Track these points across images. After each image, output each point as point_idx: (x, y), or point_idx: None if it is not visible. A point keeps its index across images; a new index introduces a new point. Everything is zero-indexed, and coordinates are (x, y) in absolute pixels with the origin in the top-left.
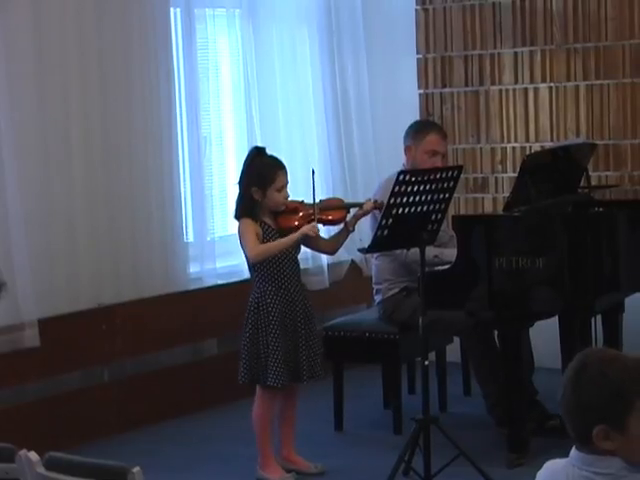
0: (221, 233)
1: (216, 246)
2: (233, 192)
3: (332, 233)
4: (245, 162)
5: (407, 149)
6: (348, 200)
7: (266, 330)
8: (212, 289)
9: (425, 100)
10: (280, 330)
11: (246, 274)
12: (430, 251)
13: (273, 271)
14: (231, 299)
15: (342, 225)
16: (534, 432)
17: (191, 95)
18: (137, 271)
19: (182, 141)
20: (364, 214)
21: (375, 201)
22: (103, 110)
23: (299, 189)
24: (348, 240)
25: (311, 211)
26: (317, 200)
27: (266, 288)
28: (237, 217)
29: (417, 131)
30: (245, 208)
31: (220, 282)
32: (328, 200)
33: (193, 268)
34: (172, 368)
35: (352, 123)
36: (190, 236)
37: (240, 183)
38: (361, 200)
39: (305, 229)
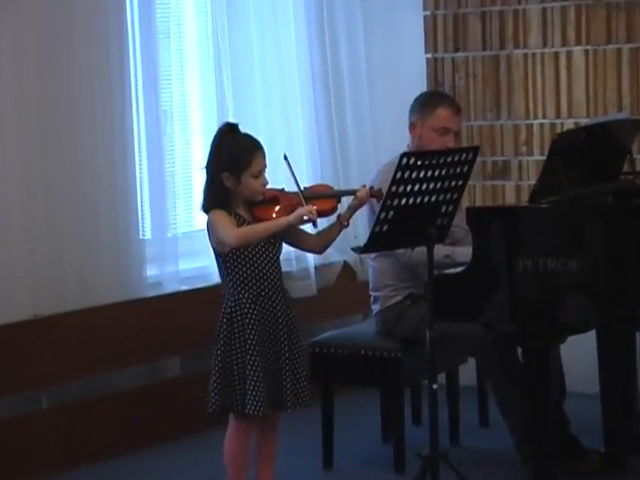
0: (185, 228)
1: (179, 244)
2: (200, 178)
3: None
4: (214, 142)
5: (412, 126)
6: (339, 187)
7: (242, 347)
8: (174, 296)
9: (434, 67)
10: (259, 347)
11: (216, 278)
12: (440, 250)
13: (250, 275)
14: (197, 308)
15: (333, 218)
16: (565, 472)
17: (148, 60)
18: (82, 275)
19: (137, 116)
20: (360, 204)
21: (371, 188)
22: (39, 81)
23: (279, 175)
24: (340, 237)
25: (295, 201)
26: (301, 187)
27: (241, 295)
28: (205, 209)
29: (424, 104)
30: (214, 198)
31: (184, 288)
32: (314, 187)
33: (151, 271)
34: (126, 392)
35: (345, 95)
36: (147, 232)
37: (208, 167)
38: (354, 185)
39: (303, 210)
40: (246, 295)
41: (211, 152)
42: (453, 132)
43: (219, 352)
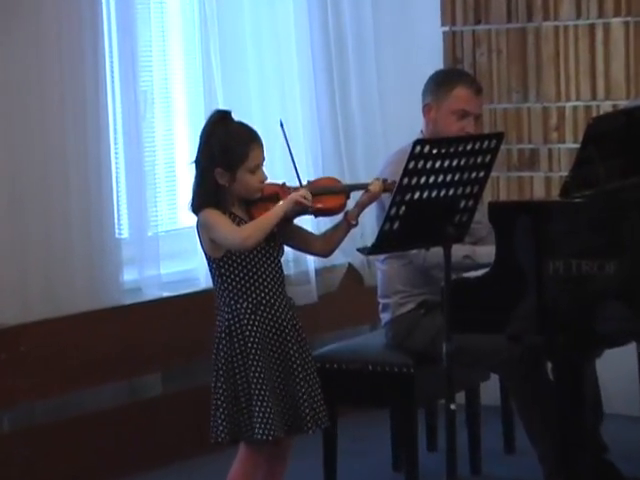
0: (168, 226)
1: (161, 244)
2: (184, 169)
3: (324, 228)
4: (203, 133)
5: (426, 109)
6: (344, 179)
7: (244, 364)
8: (155, 304)
9: (452, 41)
10: (263, 362)
11: (203, 282)
12: (458, 250)
13: (248, 281)
14: (182, 318)
15: (340, 217)
16: None
17: (125, 33)
18: (50, 280)
19: (113, 99)
20: (371, 200)
21: (384, 180)
22: (1, 59)
23: (277, 169)
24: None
25: None
26: (303, 180)
27: (239, 305)
28: (194, 209)
29: (440, 84)
30: (206, 196)
31: (166, 294)
32: (319, 181)
33: (129, 275)
34: (100, 414)
35: (349, 75)
36: (124, 231)
37: (198, 162)
38: (362, 179)
39: (295, 195)
40: (245, 305)
41: (201, 145)
42: (473, 115)
43: (221, 373)
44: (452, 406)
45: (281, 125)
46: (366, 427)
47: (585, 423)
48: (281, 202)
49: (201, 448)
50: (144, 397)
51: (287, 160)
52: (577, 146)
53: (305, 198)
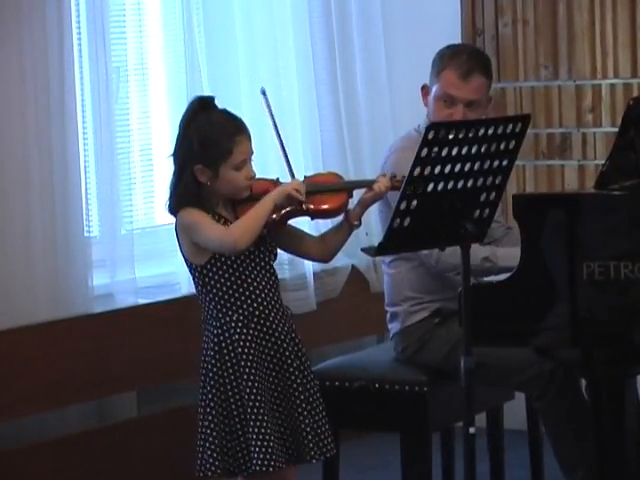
0: (143, 223)
1: (135, 244)
2: (163, 158)
3: (323, 229)
4: (182, 123)
5: (423, 91)
6: (349, 178)
7: (237, 386)
8: (129, 312)
9: (470, 10)
10: (260, 384)
11: (184, 287)
12: (477, 252)
13: (237, 290)
14: (160, 328)
15: (341, 217)
16: None
17: (95, 3)
18: (8, 285)
19: (80, 77)
20: (376, 199)
21: (393, 176)
22: None
23: (270, 164)
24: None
25: None
26: (299, 176)
27: (228, 319)
28: (172, 210)
29: (434, 64)
30: (184, 196)
31: (142, 301)
32: (318, 176)
33: (99, 279)
34: (66, 439)
35: (354, 50)
36: (94, 229)
37: (175, 156)
38: (369, 177)
39: (286, 186)
40: (235, 318)
41: (179, 137)
42: (464, 102)
43: (210, 396)
44: (471, 430)
45: (263, 93)
46: (373, 454)
47: (626, 449)
48: (272, 192)
49: (182, 479)
50: (116, 420)
51: (280, 150)
52: (615, 130)
53: (297, 191)
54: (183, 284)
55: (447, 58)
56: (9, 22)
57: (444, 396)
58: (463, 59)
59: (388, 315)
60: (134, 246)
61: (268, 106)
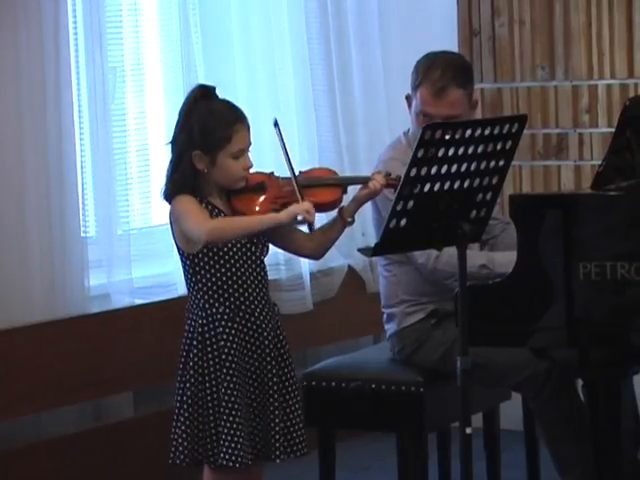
0: (140, 224)
1: (132, 244)
2: (159, 157)
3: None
4: (183, 110)
5: (407, 100)
6: (343, 174)
7: (215, 379)
8: (126, 312)
9: (466, 9)
10: (238, 378)
11: (180, 287)
12: (475, 258)
13: (226, 282)
14: (156, 329)
15: (333, 212)
16: None
17: (92, 3)
18: (3, 285)
19: (77, 77)
20: (371, 196)
21: (388, 174)
22: None
23: (266, 156)
24: (344, 235)
25: (286, 190)
26: (295, 170)
27: (214, 310)
28: (167, 196)
29: (413, 75)
30: (180, 182)
31: (139, 301)
32: (312, 171)
33: (95, 279)
34: (62, 439)
35: (350, 48)
36: (91, 229)
37: (174, 143)
38: (364, 173)
39: (297, 208)
40: (221, 310)
41: (178, 123)
42: (439, 118)
43: (188, 386)
44: (468, 430)
45: (275, 124)
46: (369, 455)
47: (622, 449)
48: (282, 213)
49: (176, 475)
50: (112, 420)
51: (276, 146)
52: (611, 131)
53: (308, 212)
54: (179, 285)
55: (422, 74)
56: (5, 23)
57: (440, 396)
58: (437, 76)
59: (384, 316)
60: (130, 246)
61: (280, 138)
